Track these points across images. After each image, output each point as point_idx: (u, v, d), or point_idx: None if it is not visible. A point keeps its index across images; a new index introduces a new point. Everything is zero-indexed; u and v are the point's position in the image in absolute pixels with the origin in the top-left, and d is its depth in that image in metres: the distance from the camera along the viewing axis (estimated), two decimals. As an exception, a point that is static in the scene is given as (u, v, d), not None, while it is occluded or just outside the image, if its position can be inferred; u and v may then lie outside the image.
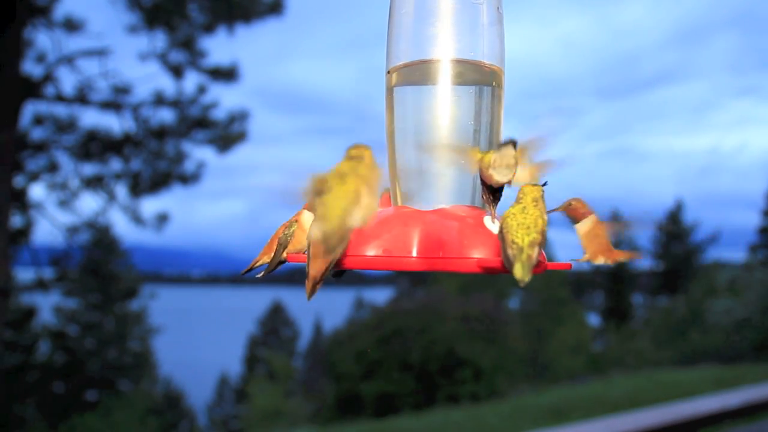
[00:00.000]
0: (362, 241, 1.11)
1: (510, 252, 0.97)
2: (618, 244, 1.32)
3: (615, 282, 33.58)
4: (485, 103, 1.26)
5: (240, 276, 1.30)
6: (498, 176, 1.08)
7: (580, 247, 1.29)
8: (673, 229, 35.73)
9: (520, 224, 0.99)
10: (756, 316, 18.79)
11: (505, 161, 1.07)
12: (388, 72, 1.29)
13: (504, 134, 1.30)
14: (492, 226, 1.13)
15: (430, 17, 1.23)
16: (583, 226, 1.27)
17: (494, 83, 1.26)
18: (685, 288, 28.81)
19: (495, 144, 1.27)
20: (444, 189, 1.24)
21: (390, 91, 1.28)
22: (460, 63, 1.23)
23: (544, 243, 0.99)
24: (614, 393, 12.20)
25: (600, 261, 1.28)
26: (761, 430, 6.06)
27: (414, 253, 1.09)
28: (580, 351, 23.36)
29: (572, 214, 1.27)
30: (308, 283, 0.98)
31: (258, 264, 1.28)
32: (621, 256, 1.29)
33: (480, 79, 1.25)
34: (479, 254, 1.08)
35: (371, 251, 1.10)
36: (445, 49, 1.23)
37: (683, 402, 6.49)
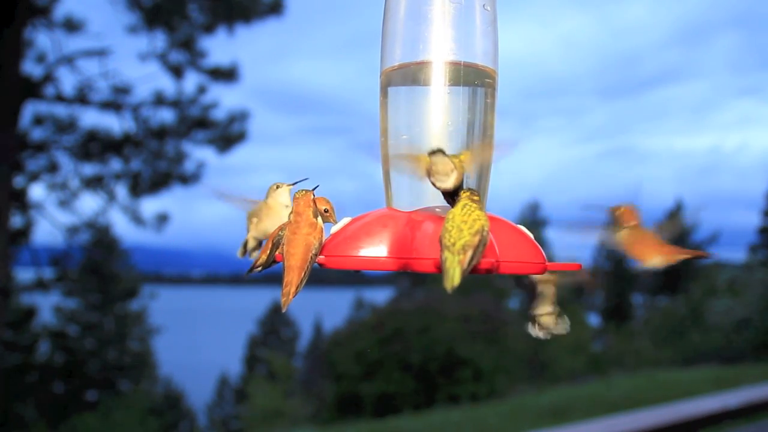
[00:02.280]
0: (343, 242, 1.15)
1: (442, 255, 0.94)
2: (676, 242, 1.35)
3: (615, 282, 33.58)
4: (478, 103, 1.26)
5: (245, 276, 1.36)
6: (438, 183, 1.06)
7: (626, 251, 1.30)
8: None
9: (455, 226, 0.96)
10: (756, 316, 18.79)
11: (441, 168, 1.04)
12: (382, 73, 1.29)
13: (498, 133, 1.30)
14: None
15: (423, 19, 1.24)
16: (625, 233, 1.28)
17: (487, 84, 1.27)
18: (685, 288, 28.81)
19: (488, 144, 1.28)
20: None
21: (384, 91, 1.29)
22: (452, 64, 1.23)
23: (483, 244, 0.96)
24: (614, 393, 12.19)
25: (654, 262, 1.29)
26: (761, 430, 6.07)
27: (385, 254, 1.12)
28: (580, 351, 23.32)
29: (620, 219, 1.29)
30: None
31: (258, 263, 1.33)
32: (682, 255, 1.30)
33: (473, 80, 1.26)
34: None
35: (347, 252, 1.14)
36: (438, 50, 1.23)
37: (683, 402, 6.49)
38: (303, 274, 1.12)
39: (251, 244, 1.46)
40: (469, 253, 0.94)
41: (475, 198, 1.03)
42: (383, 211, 1.27)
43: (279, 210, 1.41)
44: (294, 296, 1.14)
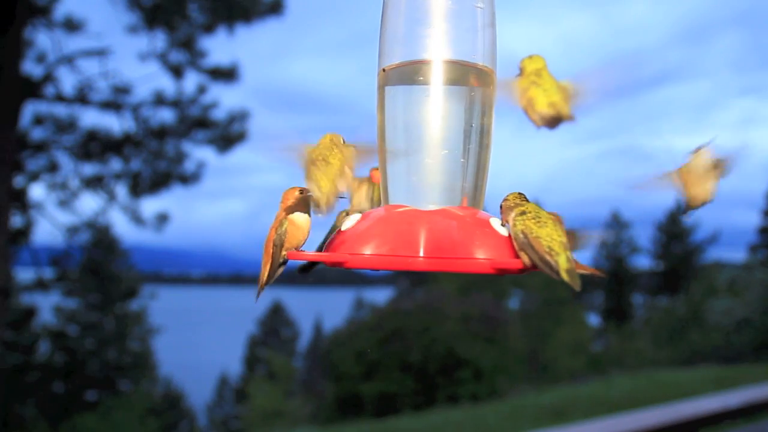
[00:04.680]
0: (365, 239, 1.11)
1: (551, 260, 0.99)
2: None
3: (615, 282, 33.59)
4: (477, 103, 1.26)
5: (257, 297, 1.31)
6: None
7: None
8: (673, 229, 35.74)
9: (548, 233, 1.01)
10: (756, 316, 18.79)
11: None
12: (380, 71, 1.29)
13: (496, 134, 1.30)
14: (501, 228, 1.14)
15: (422, 18, 1.24)
16: None
17: (486, 84, 1.26)
18: (685, 288, 28.80)
19: (485, 144, 1.28)
20: (433, 188, 1.24)
21: (381, 90, 1.29)
22: (451, 63, 1.23)
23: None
24: (614, 393, 12.19)
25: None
26: (761, 430, 6.06)
27: (421, 253, 1.09)
28: (580, 351, 23.34)
29: None
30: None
31: (265, 277, 1.27)
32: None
33: (471, 79, 1.25)
34: (489, 255, 1.09)
35: (376, 250, 1.10)
36: (436, 49, 1.23)
37: (683, 402, 6.49)
38: (267, 266, 1.17)
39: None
40: (572, 256, 1.00)
41: (525, 199, 1.09)
42: (388, 208, 1.25)
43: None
44: (262, 289, 1.21)
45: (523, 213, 1.05)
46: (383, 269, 1.13)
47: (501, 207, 1.11)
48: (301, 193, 1.19)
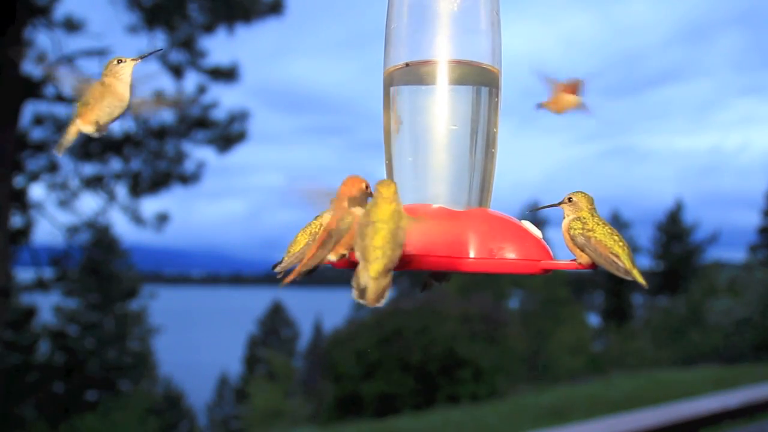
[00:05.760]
0: (413, 240, 1.04)
1: (619, 261, 1.06)
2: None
3: (615, 282, 33.57)
4: (482, 103, 1.26)
5: (275, 271, 1.14)
6: None
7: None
8: (673, 229, 35.74)
9: (610, 238, 1.08)
10: (756, 316, 18.79)
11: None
12: (386, 72, 1.29)
13: (501, 133, 1.30)
14: (534, 230, 1.18)
15: (427, 19, 1.24)
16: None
17: (491, 84, 1.26)
18: (685, 288, 28.80)
19: (492, 143, 1.27)
20: (440, 188, 1.25)
21: (387, 90, 1.29)
22: (457, 64, 1.23)
23: None
24: (614, 393, 12.19)
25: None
26: (761, 430, 6.07)
27: (472, 254, 1.10)
28: (580, 351, 23.34)
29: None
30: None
31: (292, 259, 1.14)
32: None
33: (477, 79, 1.26)
34: (531, 255, 1.14)
35: (427, 251, 1.07)
36: (442, 50, 1.23)
37: (683, 402, 6.50)
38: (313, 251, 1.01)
39: (71, 136, 1.29)
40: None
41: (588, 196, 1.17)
42: (432, 208, 1.22)
43: (120, 90, 1.22)
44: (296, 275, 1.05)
45: (577, 219, 1.11)
46: (435, 269, 1.12)
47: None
48: (366, 188, 1.02)
